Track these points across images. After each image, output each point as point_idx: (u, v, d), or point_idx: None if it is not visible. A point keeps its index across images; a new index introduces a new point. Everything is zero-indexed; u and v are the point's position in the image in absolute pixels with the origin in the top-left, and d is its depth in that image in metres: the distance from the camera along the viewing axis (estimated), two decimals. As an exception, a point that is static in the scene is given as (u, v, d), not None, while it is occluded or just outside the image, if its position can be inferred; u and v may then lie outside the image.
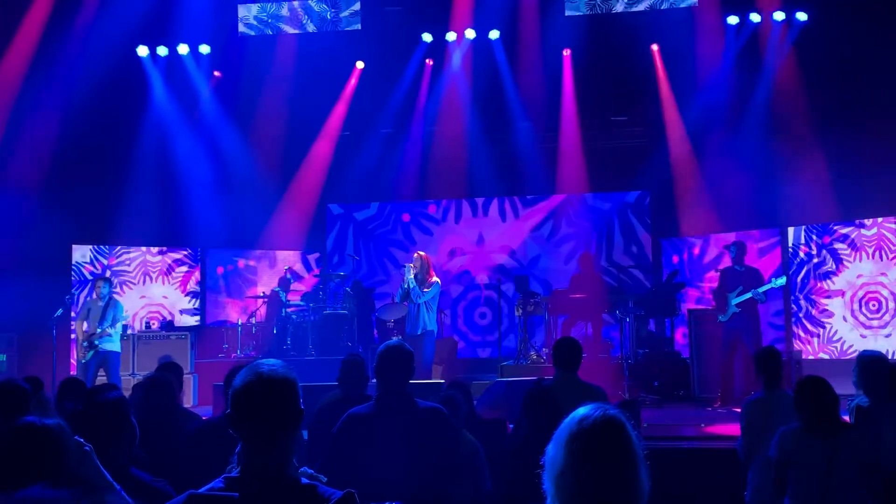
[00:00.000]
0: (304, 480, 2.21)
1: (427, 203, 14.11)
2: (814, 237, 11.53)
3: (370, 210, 14.26)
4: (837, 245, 11.28)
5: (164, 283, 13.04)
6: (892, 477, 3.76)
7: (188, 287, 13.27)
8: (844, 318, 11.09)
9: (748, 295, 9.38)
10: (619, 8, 12.32)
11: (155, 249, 13.06)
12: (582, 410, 2.12)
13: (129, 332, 11.62)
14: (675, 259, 12.98)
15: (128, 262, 12.92)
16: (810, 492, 4.31)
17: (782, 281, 9.79)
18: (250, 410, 2.21)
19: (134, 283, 12.85)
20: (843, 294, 11.19)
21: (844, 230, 11.25)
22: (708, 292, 11.58)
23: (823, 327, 11.34)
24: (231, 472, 2.22)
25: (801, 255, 11.57)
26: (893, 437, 4.74)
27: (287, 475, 2.21)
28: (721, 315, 9.59)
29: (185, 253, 13.29)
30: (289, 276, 12.64)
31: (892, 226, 10.90)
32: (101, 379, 9.65)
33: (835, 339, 11.14)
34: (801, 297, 11.51)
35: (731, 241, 10.20)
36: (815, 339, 11.35)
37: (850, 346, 10.88)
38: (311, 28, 12.98)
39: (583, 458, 2.03)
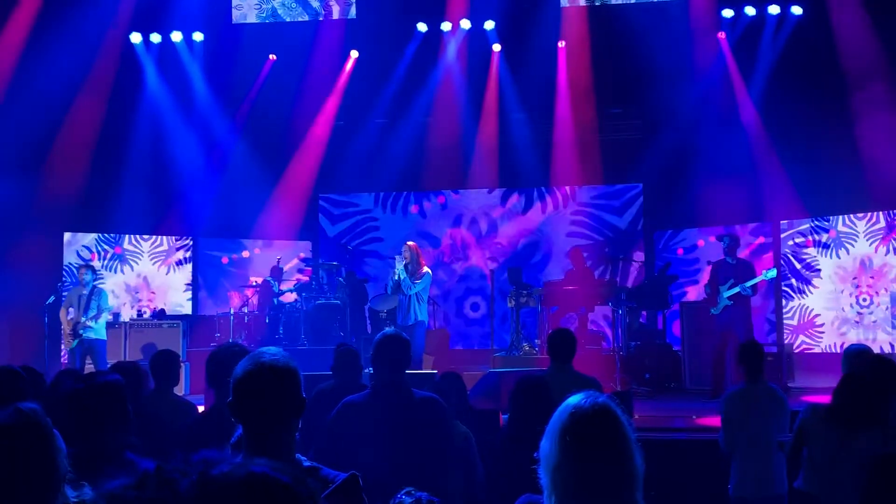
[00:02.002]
0: (307, 463, 2.23)
1: (420, 194, 14.11)
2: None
3: (353, 211, 14.29)
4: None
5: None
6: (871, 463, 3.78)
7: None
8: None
9: (737, 289, 9.35)
10: None
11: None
12: (572, 401, 2.12)
13: (120, 319, 11.62)
14: (680, 252, 13.00)
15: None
16: (821, 475, 4.38)
17: (773, 273, 9.73)
18: (252, 399, 2.23)
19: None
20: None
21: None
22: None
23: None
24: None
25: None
26: None
27: (290, 460, 2.22)
28: (713, 308, 9.55)
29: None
30: (281, 265, 12.63)
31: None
32: (89, 367, 9.64)
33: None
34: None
35: (721, 234, 10.11)
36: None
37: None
38: (305, 16, 12.94)
39: (578, 450, 2.04)
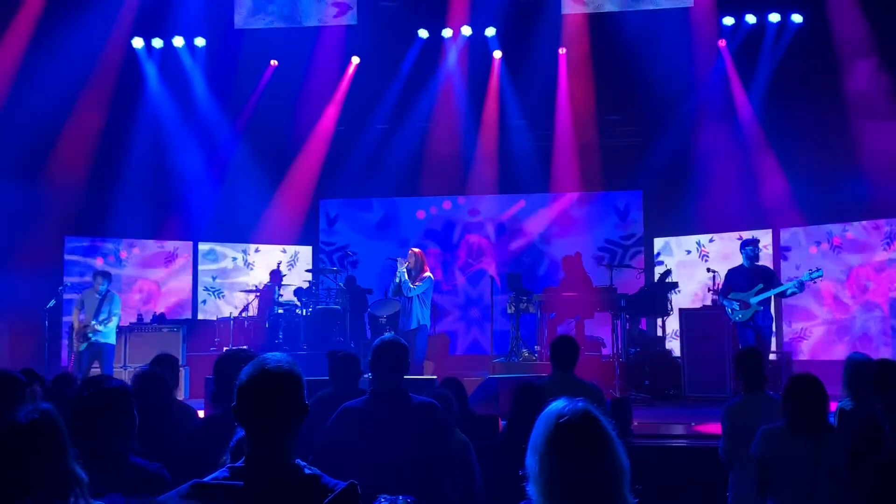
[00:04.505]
0: (308, 471, 2.25)
1: (422, 199, 14.14)
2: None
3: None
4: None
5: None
6: (883, 464, 3.75)
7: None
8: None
9: (788, 286, 8.98)
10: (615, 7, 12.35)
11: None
12: (552, 411, 2.12)
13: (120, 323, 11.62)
14: (684, 259, 12.97)
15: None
16: (795, 492, 4.26)
17: (819, 273, 9.13)
18: (256, 404, 2.26)
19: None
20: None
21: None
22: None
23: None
24: (233, 463, 2.26)
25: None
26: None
27: (290, 466, 2.26)
28: (740, 314, 9.08)
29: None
30: (282, 270, 12.64)
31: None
32: (95, 371, 9.65)
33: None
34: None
35: (748, 239, 9.61)
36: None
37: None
38: (307, 23, 12.96)
39: (563, 460, 2.05)
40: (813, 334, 11.60)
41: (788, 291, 9.09)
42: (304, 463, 2.30)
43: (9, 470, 2.45)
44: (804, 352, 11.49)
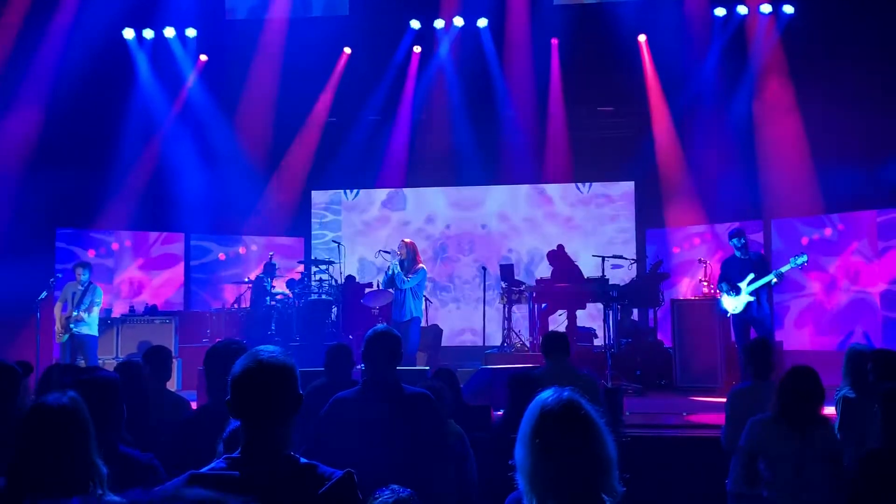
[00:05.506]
0: (303, 460, 2.27)
1: (413, 190, 14.14)
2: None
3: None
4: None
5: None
6: (868, 456, 3.78)
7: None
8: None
9: (769, 277, 8.91)
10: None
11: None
12: (538, 401, 2.13)
13: (112, 315, 11.60)
14: (676, 250, 13.00)
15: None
16: (785, 483, 4.27)
17: (804, 259, 9.05)
18: (250, 396, 2.27)
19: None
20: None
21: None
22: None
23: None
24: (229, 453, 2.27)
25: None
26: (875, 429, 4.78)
27: (286, 456, 2.27)
28: (732, 308, 9.04)
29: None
30: (274, 262, 12.61)
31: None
32: (81, 364, 9.64)
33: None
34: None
35: (733, 230, 9.53)
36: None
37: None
38: (299, 13, 12.92)
39: (550, 450, 2.06)
40: (804, 324, 11.64)
41: (772, 283, 9.10)
42: (298, 455, 2.31)
43: (36, 453, 2.48)
44: (794, 342, 11.53)
